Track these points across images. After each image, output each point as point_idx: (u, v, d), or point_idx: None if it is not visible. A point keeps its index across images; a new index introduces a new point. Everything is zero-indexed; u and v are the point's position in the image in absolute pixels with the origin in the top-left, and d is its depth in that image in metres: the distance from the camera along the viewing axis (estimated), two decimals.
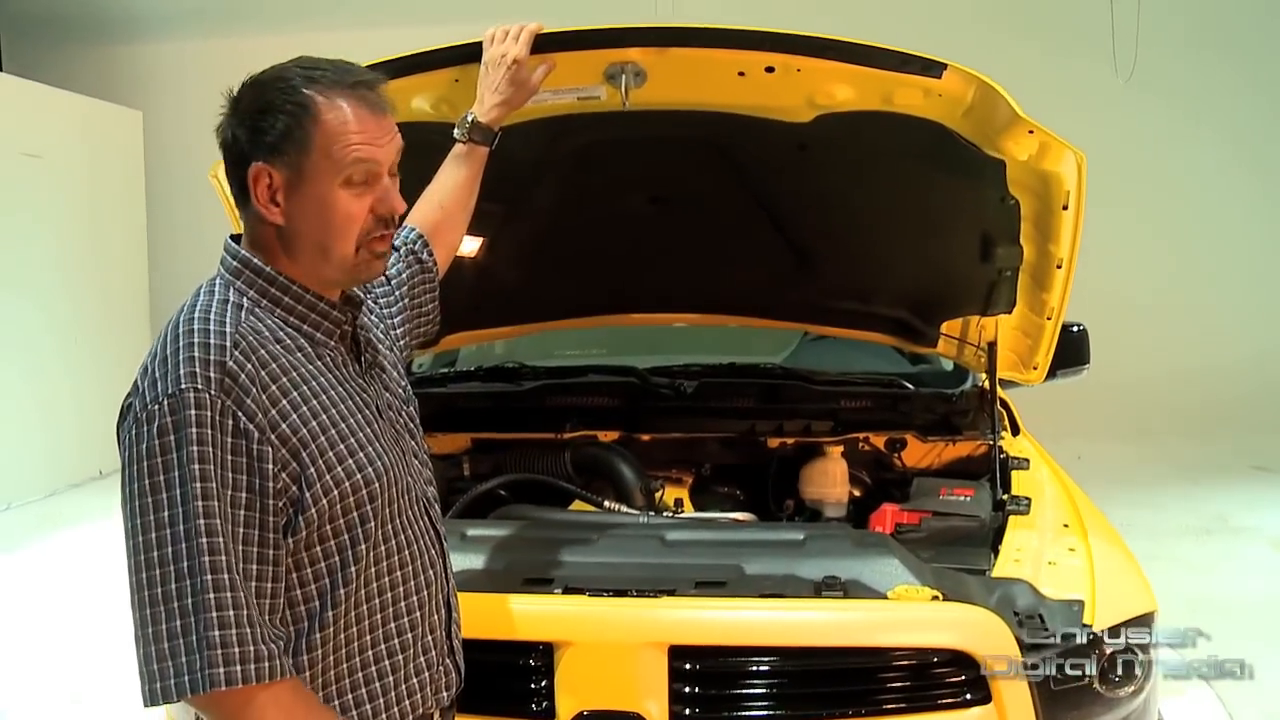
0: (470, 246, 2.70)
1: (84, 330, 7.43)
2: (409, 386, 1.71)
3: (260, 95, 1.43)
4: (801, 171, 2.46)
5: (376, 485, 1.45)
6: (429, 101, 2.20)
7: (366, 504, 1.44)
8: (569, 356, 3.88)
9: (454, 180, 1.96)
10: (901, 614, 1.92)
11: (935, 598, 1.94)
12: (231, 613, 1.27)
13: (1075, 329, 3.14)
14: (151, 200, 8.30)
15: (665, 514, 2.57)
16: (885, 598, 1.95)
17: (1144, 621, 2.05)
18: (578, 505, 2.65)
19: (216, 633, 1.26)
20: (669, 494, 2.76)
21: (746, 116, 2.24)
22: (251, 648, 1.28)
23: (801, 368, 3.24)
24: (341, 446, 1.42)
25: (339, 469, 1.41)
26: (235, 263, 1.47)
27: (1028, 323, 2.79)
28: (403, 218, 1.58)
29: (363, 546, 1.44)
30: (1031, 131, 2.09)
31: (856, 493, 2.92)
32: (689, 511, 2.66)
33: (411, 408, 1.69)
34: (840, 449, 2.85)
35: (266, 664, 1.29)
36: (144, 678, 1.28)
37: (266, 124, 1.40)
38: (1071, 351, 3.09)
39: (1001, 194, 2.33)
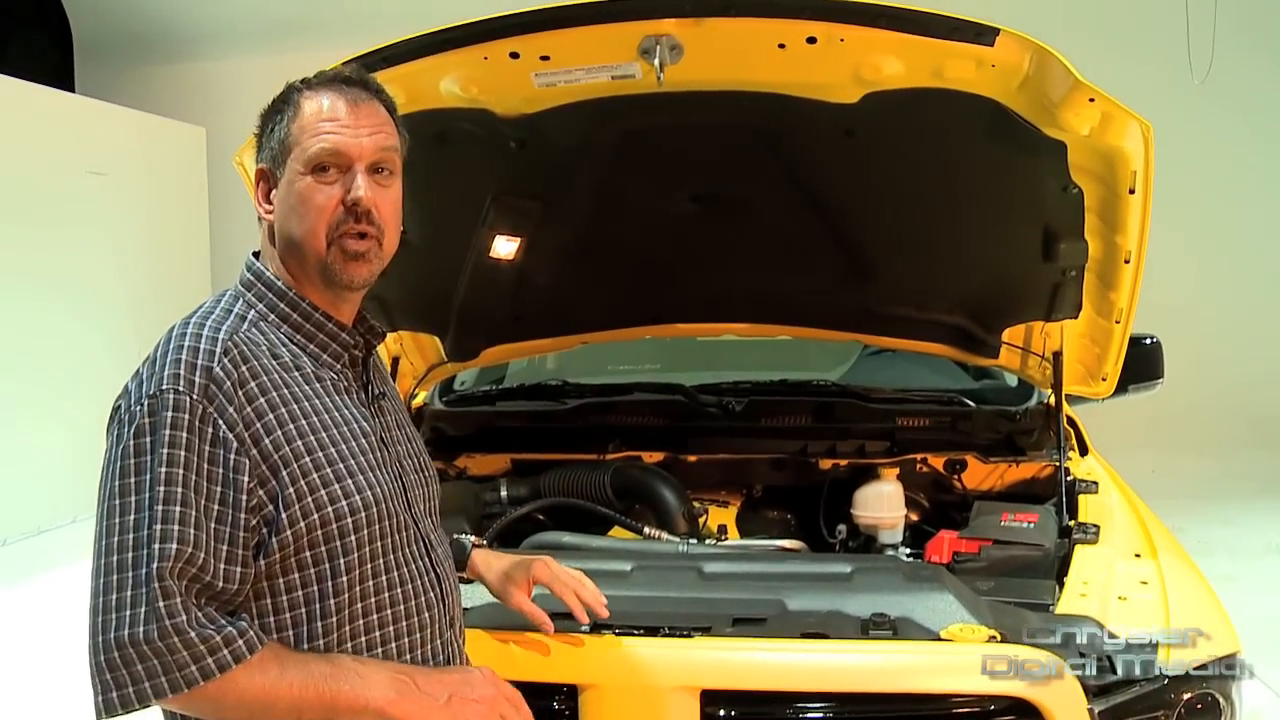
0: (508, 248, 2.63)
1: (147, 347, 7.46)
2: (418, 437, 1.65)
3: (270, 104, 1.45)
4: (849, 161, 2.32)
5: (363, 515, 1.37)
6: (458, 83, 2.13)
7: (351, 533, 1.35)
8: (621, 372, 3.80)
9: None
10: (955, 657, 1.77)
11: (993, 638, 1.79)
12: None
13: (1148, 341, 3.00)
14: (214, 215, 8.39)
15: (709, 541, 2.45)
16: (938, 638, 1.81)
17: (1226, 664, 1.88)
18: (617, 531, 2.54)
19: (175, 639, 1.19)
20: (714, 518, 2.63)
21: (790, 97, 2.12)
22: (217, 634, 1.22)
23: (857, 385, 3.10)
24: (328, 470, 1.34)
25: (322, 493, 1.33)
26: (249, 274, 1.45)
27: (1095, 328, 2.63)
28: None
29: (343, 579, 1.35)
30: (1093, 100, 1.95)
31: (914, 517, 2.77)
32: (733, 538, 2.53)
33: (423, 453, 1.62)
34: (896, 471, 2.71)
35: (241, 641, 1.24)
36: (99, 687, 1.21)
37: (266, 127, 1.43)
38: (1144, 365, 2.94)
39: (1063, 182, 2.19)
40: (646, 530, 2.46)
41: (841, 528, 2.72)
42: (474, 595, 2.02)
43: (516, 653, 1.80)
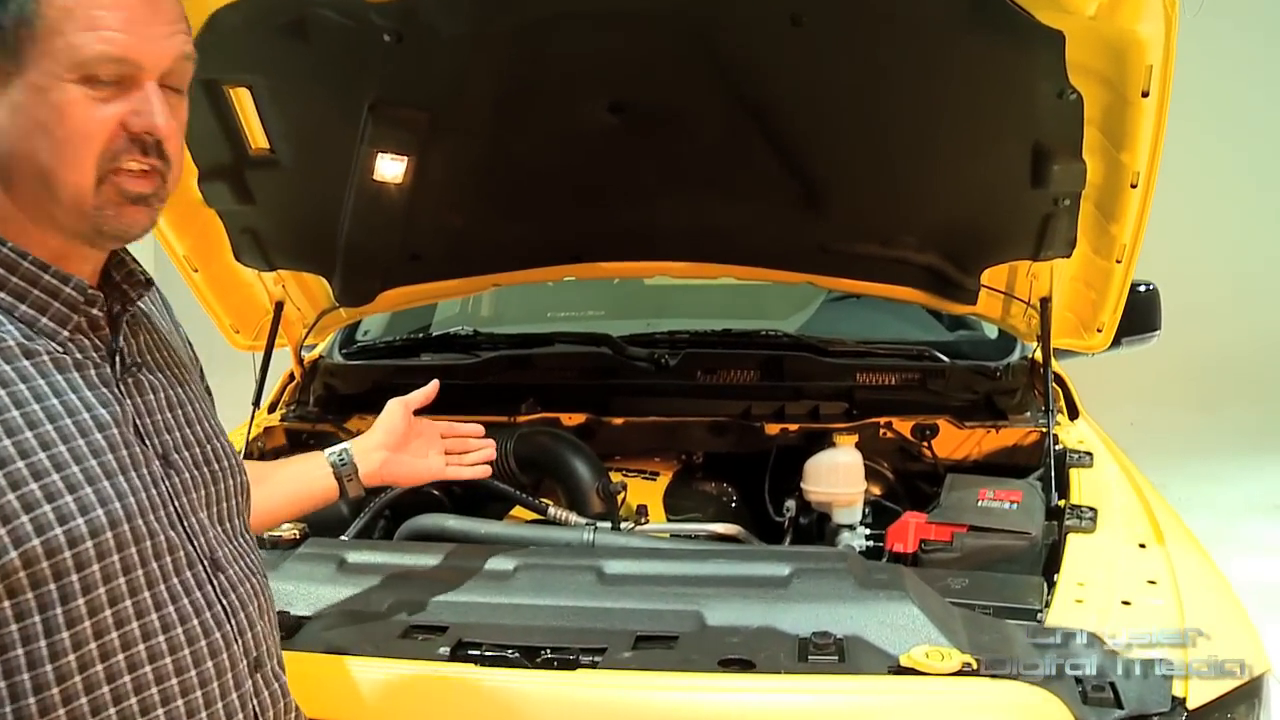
0: (394, 169, 2.19)
1: None
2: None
3: None
4: (797, 58, 1.87)
5: (93, 545, 0.94)
6: None
7: (74, 571, 0.93)
8: (560, 320, 3.38)
9: (291, 494, 1.57)
10: (918, 695, 1.36)
11: (966, 665, 1.38)
12: None
13: (1144, 288, 2.63)
14: None
15: (625, 525, 2.03)
16: (897, 666, 1.40)
17: (1252, 691, 1.49)
18: (520, 512, 2.13)
19: None
20: (638, 494, 2.22)
21: None
22: None
23: (812, 336, 2.68)
24: (34, 488, 0.92)
25: (23, 520, 0.90)
26: None
27: (1091, 269, 2.23)
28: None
29: (64, 637, 0.92)
30: None
31: (876, 491, 2.37)
32: (657, 520, 2.11)
33: (216, 436, 1.16)
34: (855, 438, 2.29)
35: None
36: None
37: None
38: (1139, 316, 2.58)
39: (1059, 86, 1.77)
40: (552, 511, 2.04)
41: (790, 504, 2.31)
42: (318, 597, 1.61)
43: (346, 689, 1.37)
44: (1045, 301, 2.32)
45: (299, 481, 1.56)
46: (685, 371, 2.53)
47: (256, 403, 2.54)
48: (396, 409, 1.66)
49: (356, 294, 2.60)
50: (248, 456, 2.47)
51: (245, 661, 1.08)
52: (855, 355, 2.57)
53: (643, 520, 2.05)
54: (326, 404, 2.71)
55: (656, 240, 2.43)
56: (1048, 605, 1.65)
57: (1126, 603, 1.62)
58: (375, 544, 1.84)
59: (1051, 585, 1.71)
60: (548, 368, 2.64)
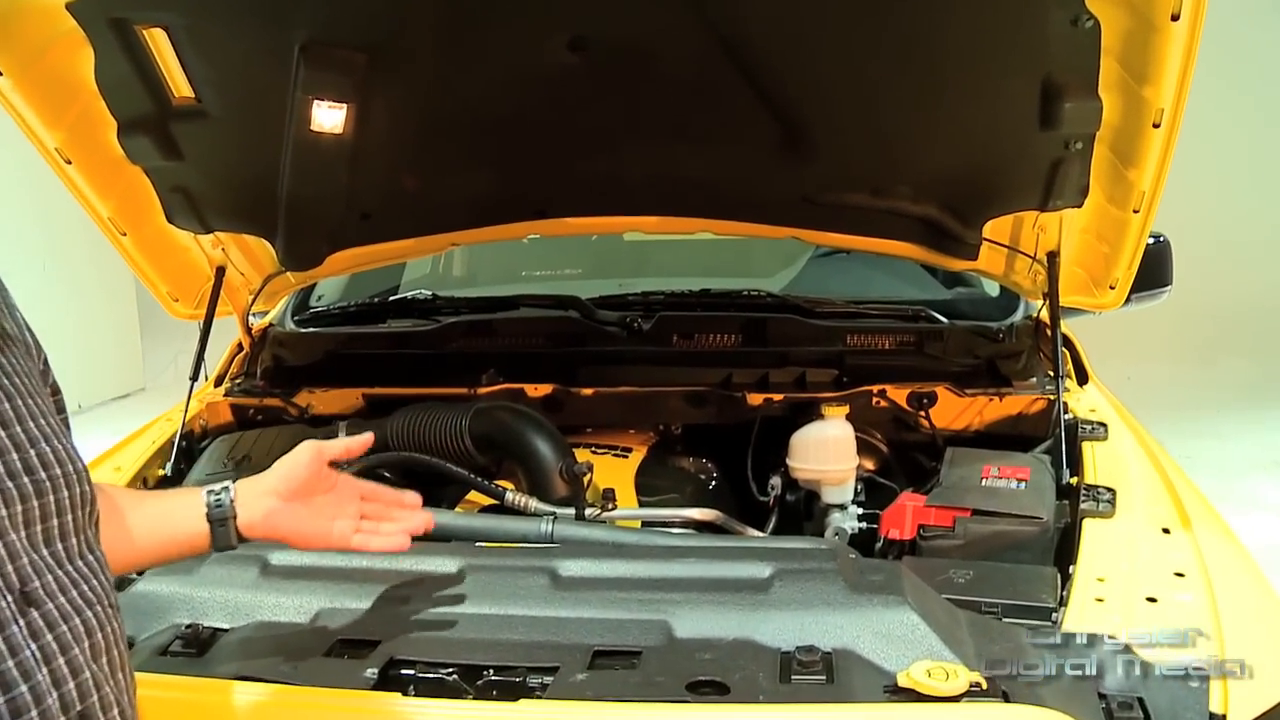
0: (332, 118, 1.96)
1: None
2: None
3: None
4: None
5: None
6: None
7: None
8: (535, 279, 3.18)
9: (152, 534, 1.25)
10: None
11: (974, 686, 1.19)
12: None
13: (1155, 240, 2.46)
14: None
15: (591, 511, 1.83)
16: (894, 685, 1.21)
17: None
18: (475, 498, 1.93)
19: None
20: (607, 475, 2.02)
21: None
22: None
23: (798, 295, 2.47)
24: None
25: None
26: None
27: (1105, 220, 2.01)
28: None
29: None
30: None
31: (869, 466, 2.17)
32: (626, 506, 1.91)
33: (42, 440, 0.93)
34: (845, 408, 2.08)
35: None
36: None
37: None
38: (1150, 270, 2.38)
39: (1073, 12, 1.55)
40: (509, 496, 1.84)
41: (775, 481, 2.11)
42: (236, 606, 1.41)
43: None
44: (1053, 256, 2.11)
45: (163, 520, 1.26)
46: (660, 336, 2.33)
47: (194, 377, 2.33)
48: (305, 454, 1.34)
49: (302, 256, 2.39)
50: (187, 437, 2.28)
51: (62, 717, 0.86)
52: (845, 316, 2.37)
53: (610, 506, 1.85)
54: (274, 376, 2.50)
55: (626, 193, 2.21)
56: (1063, 603, 1.46)
57: (1152, 599, 1.43)
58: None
59: (1066, 578, 1.52)
60: (511, 334, 2.43)
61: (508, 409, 2.05)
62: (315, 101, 1.97)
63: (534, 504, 1.84)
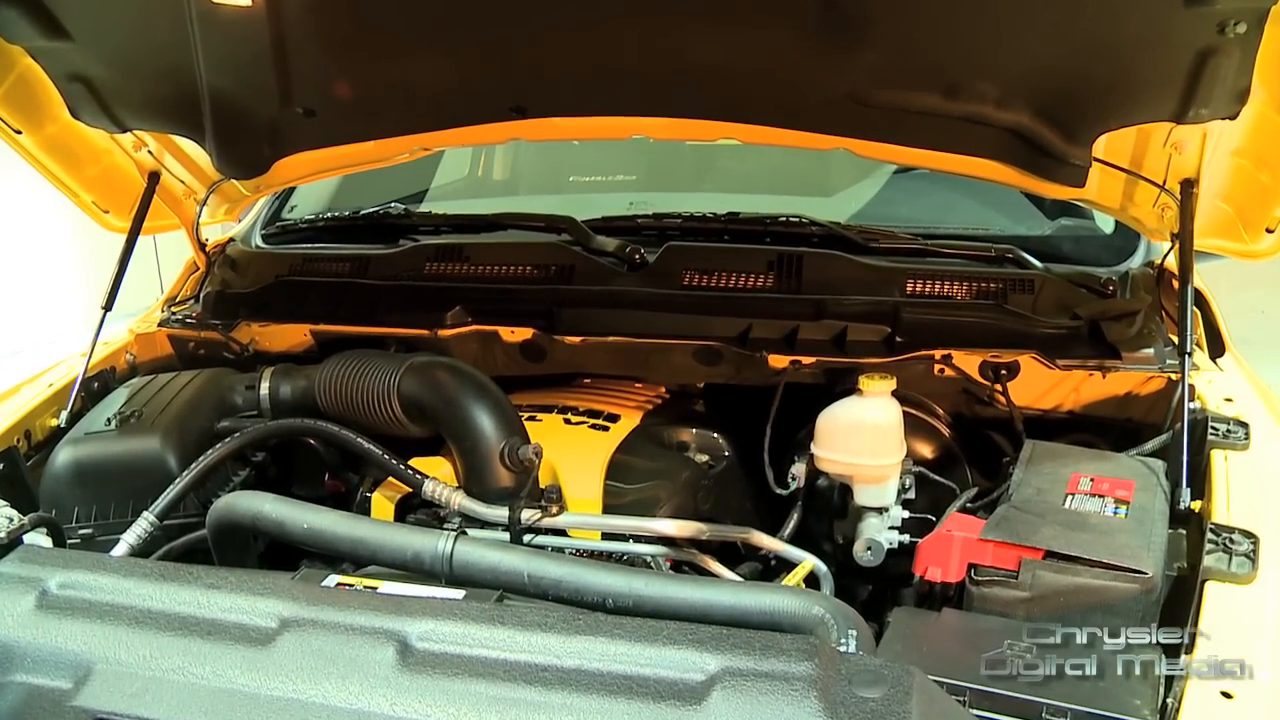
0: None
1: None
2: None
3: None
4: None
5: None
6: None
7: None
8: (582, 186, 2.79)
9: None
10: None
11: None
12: None
13: None
14: None
15: (529, 515, 1.38)
16: None
17: None
18: (392, 484, 1.50)
19: None
20: (577, 452, 1.56)
21: None
22: None
23: (853, 225, 1.94)
24: None
25: None
26: None
27: (1267, 139, 1.48)
28: None
29: None
30: None
31: (927, 453, 1.67)
32: (585, 510, 1.45)
33: None
34: (893, 380, 1.56)
35: None
36: None
37: None
38: None
39: None
40: (428, 487, 1.41)
41: (796, 471, 1.63)
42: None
43: None
44: (1188, 185, 1.58)
45: None
46: (666, 272, 1.85)
47: (107, 306, 1.93)
48: None
49: (240, 161, 2.00)
50: (105, 375, 1.91)
51: None
52: (907, 254, 1.84)
53: (554, 511, 1.39)
54: (216, 304, 2.10)
55: (623, 86, 1.71)
56: (1165, 713, 0.96)
57: None
58: (108, 562, 1.20)
59: (1174, 680, 1.01)
60: (487, 261, 1.97)
61: (446, 366, 1.60)
62: None
63: (459, 500, 1.41)
